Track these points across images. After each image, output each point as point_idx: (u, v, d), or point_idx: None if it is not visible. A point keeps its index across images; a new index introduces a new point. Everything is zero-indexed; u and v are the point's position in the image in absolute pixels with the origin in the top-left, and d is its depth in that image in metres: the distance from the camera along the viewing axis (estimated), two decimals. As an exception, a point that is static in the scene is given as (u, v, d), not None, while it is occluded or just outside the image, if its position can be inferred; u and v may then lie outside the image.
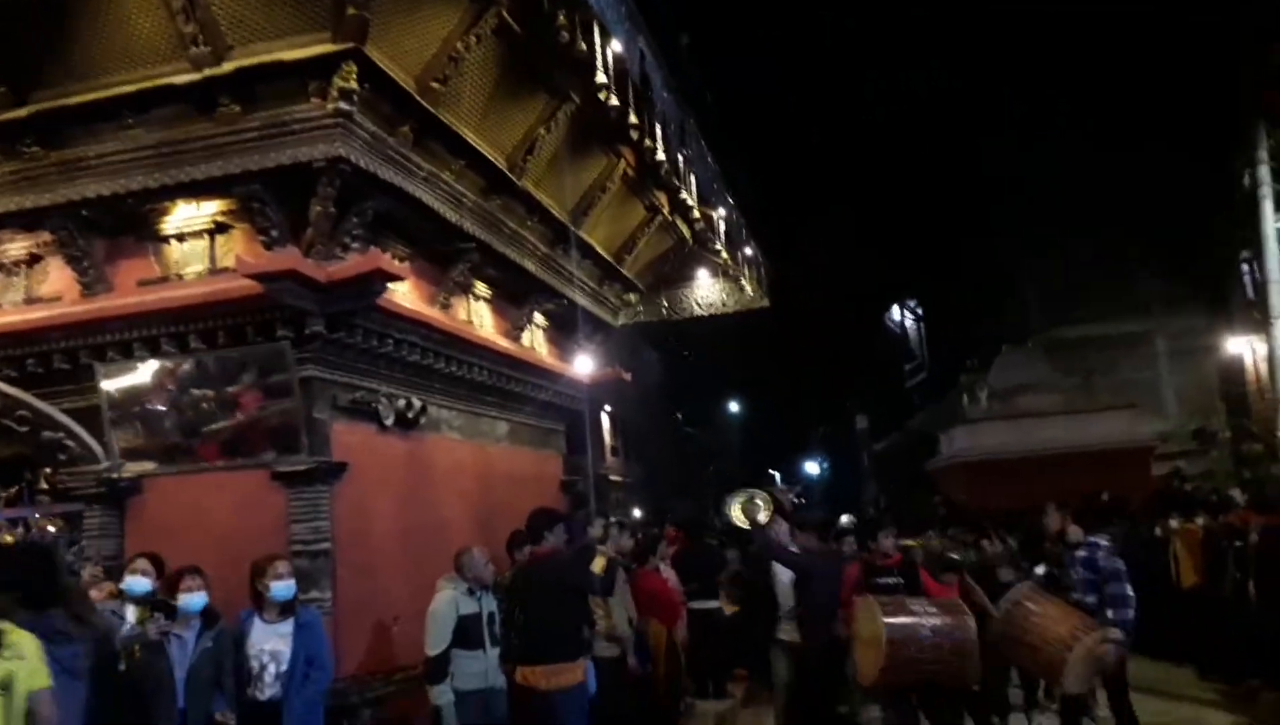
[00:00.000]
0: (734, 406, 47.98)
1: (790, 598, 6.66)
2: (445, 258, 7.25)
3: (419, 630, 5.65)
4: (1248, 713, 7.53)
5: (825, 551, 6.77)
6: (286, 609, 5.03)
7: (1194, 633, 9.22)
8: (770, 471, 48.15)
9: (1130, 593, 5.68)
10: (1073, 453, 14.11)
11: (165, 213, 6.17)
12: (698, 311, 12.01)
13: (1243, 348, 20.98)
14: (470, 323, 7.76)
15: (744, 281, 12.08)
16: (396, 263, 6.23)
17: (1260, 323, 13.97)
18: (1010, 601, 5.88)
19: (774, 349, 38.43)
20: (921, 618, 5.43)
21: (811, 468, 53.54)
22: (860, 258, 29.46)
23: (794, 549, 6.65)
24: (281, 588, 5.00)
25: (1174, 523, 9.82)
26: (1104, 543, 5.97)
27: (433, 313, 7.06)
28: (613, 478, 25.08)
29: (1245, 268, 19.42)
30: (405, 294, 6.80)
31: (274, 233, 5.83)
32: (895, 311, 35.61)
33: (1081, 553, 5.97)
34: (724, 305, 12.17)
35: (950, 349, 25.19)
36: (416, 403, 6.70)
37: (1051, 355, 18.66)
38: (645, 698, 8.37)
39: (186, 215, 6.17)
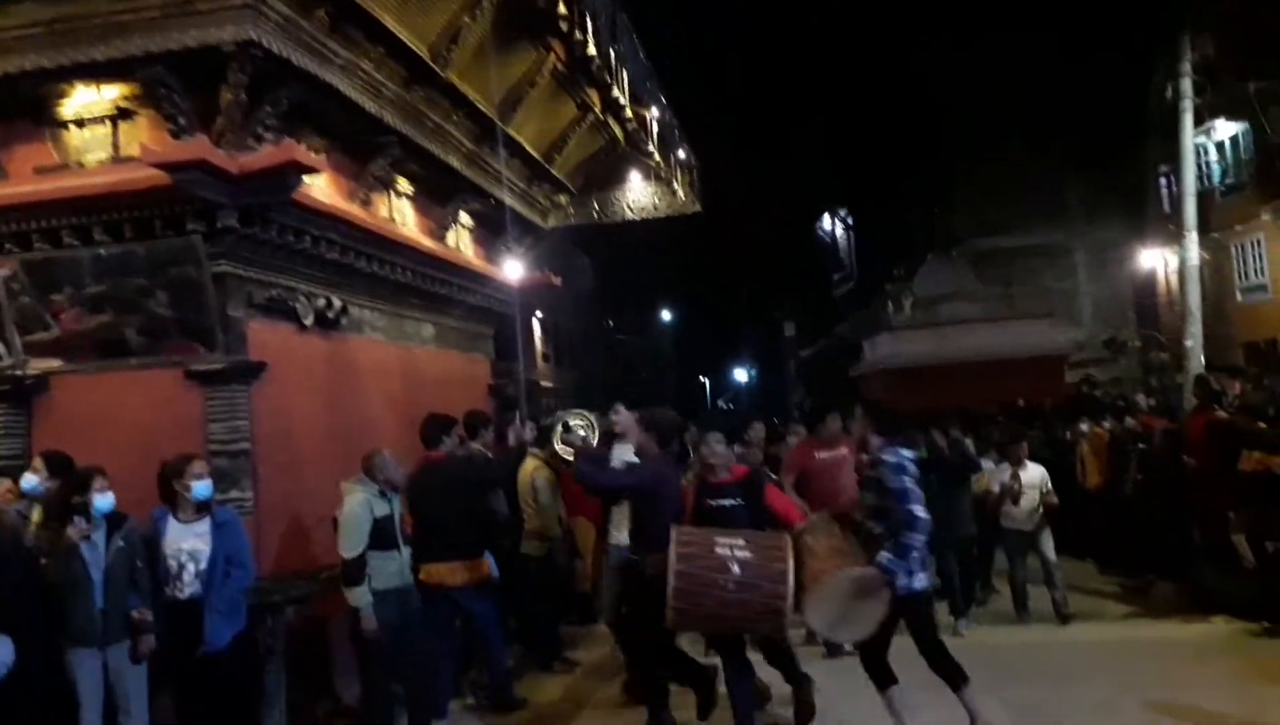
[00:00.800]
0: (666, 314, 48.22)
1: None
2: (365, 151, 6.98)
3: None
4: (1143, 604, 7.99)
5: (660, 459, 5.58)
6: (203, 508, 4.99)
7: (1096, 530, 9.72)
8: (700, 378, 48.78)
9: (918, 515, 4.68)
10: (991, 360, 14.49)
11: (63, 96, 5.78)
12: (629, 215, 11.88)
13: (1156, 260, 21.71)
14: (392, 220, 7.55)
15: (676, 185, 11.97)
16: (313, 155, 5.97)
17: (1174, 235, 14.38)
18: (797, 534, 5.07)
19: (706, 256, 38.51)
20: (727, 561, 4.66)
21: (741, 375, 54.32)
22: (792, 165, 29.43)
23: (629, 467, 5.82)
24: (200, 487, 4.95)
25: (1083, 427, 10.24)
26: (895, 457, 4.86)
27: (352, 209, 6.83)
28: (545, 384, 25.20)
29: (1163, 182, 19.92)
30: (323, 189, 6.56)
31: (181, 121, 5.52)
32: (826, 220, 35.79)
33: (870, 472, 5.09)
34: (656, 209, 12.07)
35: (878, 258, 25.52)
36: (337, 302, 6.54)
37: (975, 264, 19.05)
38: (574, 593, 8.58)
39: (86, 99, 5.79)
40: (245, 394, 5.72)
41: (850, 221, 33.97)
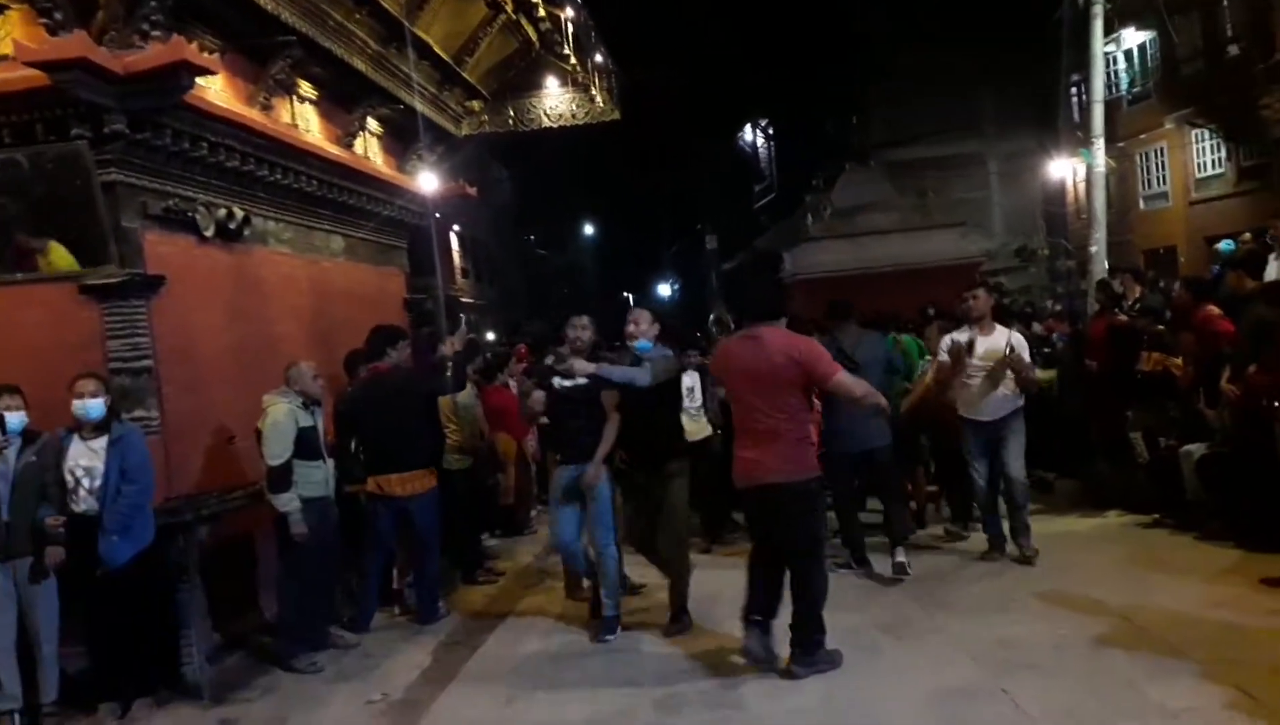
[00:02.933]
0: (589, 229, 47.78)
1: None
2: (263, 53, 6.62)
3: (255, 447, 5.58)
4: (1044, 501, 8.35)
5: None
6: (101, 426, 4.90)
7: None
8: (623, 293, 48.71)
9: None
10: (906, 269, 14.70)
11: (-79, -13, 5.33)
12: (546, 122, 11.61)
13: (1065, 170, 22.20)
14: (295, 127, 7.21)
15: (594, 92, 11.72)
16: (206, 56, 5.63)
17: (1083, 144, 14.66)
18: None
19: (627, 170, 38.06)
20: None
21: (665, 289, 54.38)
22: (712, 74, 29.06)
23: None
24: (82, 407, 4.86)
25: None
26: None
27: (252, 114, 6.50)
28: (464, 299, 24.84)
29: (1073, 91, 20.24)
30: (220, 92, 6.21)
31: (58, 15, 5.13)
32: (747, 131, 35.60)
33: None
34: (574, 117, 11.81)
35: (798, 169, 25.51)
36: (239, 213, 6.26)
37: (891, 175, 19.15)
38: (496, 506, 8.64)
39: (-50, -8, 5.35)
40: (144, 309, 5.47)
41: (770, 132, 33.86)
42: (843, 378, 4.63)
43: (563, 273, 40.95)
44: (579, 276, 43.95)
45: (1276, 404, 5.65)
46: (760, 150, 35.25)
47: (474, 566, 7.38)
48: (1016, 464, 6.37)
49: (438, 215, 9.90)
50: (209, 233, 6.04)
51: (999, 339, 6.35)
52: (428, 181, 9.03)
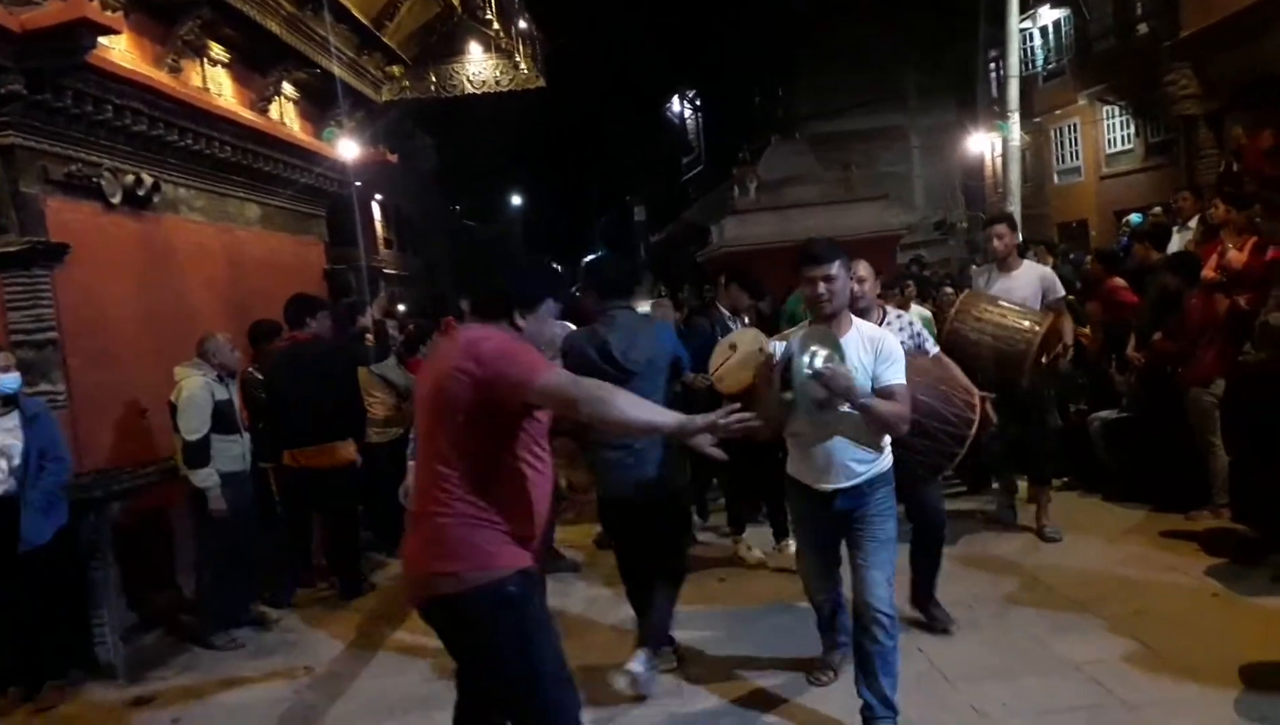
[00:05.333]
0: (516, 199, 47.24)
1: None
2: (170, 12, 6.38)
3: (168, 420, 5.42)
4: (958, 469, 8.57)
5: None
6: (9, 402, 4.68)
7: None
8: (552, 264, 48.35)
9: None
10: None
11: None
12: (470, 89, 11.41)
13: (984, 144, 22.70)
14: (206, 90, 6.97)
15: (518, 59, 11.55)
16: (108, 14, 5.40)
17: (1001, 118, 15.00)
18: None
19: (555, 140, 37.71)
20: None
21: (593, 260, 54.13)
22: (639, 43, 28.88)
23: None
24: (3, 380, 4.63)
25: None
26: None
27: (160, 77, 6.27)
28: (387, 270, 24.37)
29: (992, 66, 20.67)
30: (125, 53, 5.98)
31: (-54, -32, 4.87)
32: (675, 102, 35.51)
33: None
34: (498, 84, 11.63)
35: (725, 141, 25.57)
36: (148, 179, 6.05)
37: (816, 147, 19.32)
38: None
39: None
40: (47, 279, 5.28)
41: (698, 104, 33.82)
42: (557, 380, 2.59)
43: (490, 243, 40.43)
44: (506, 246, 43.32)
45: (1180, 370, 5.89)
46: (688, 121, 35.19)
47: (396, 540, 7.30)
48: None
49: (358, 183, 9.69)
50: (116, 200, 5.83)
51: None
52: (346, 147, 8.82)
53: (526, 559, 2.69)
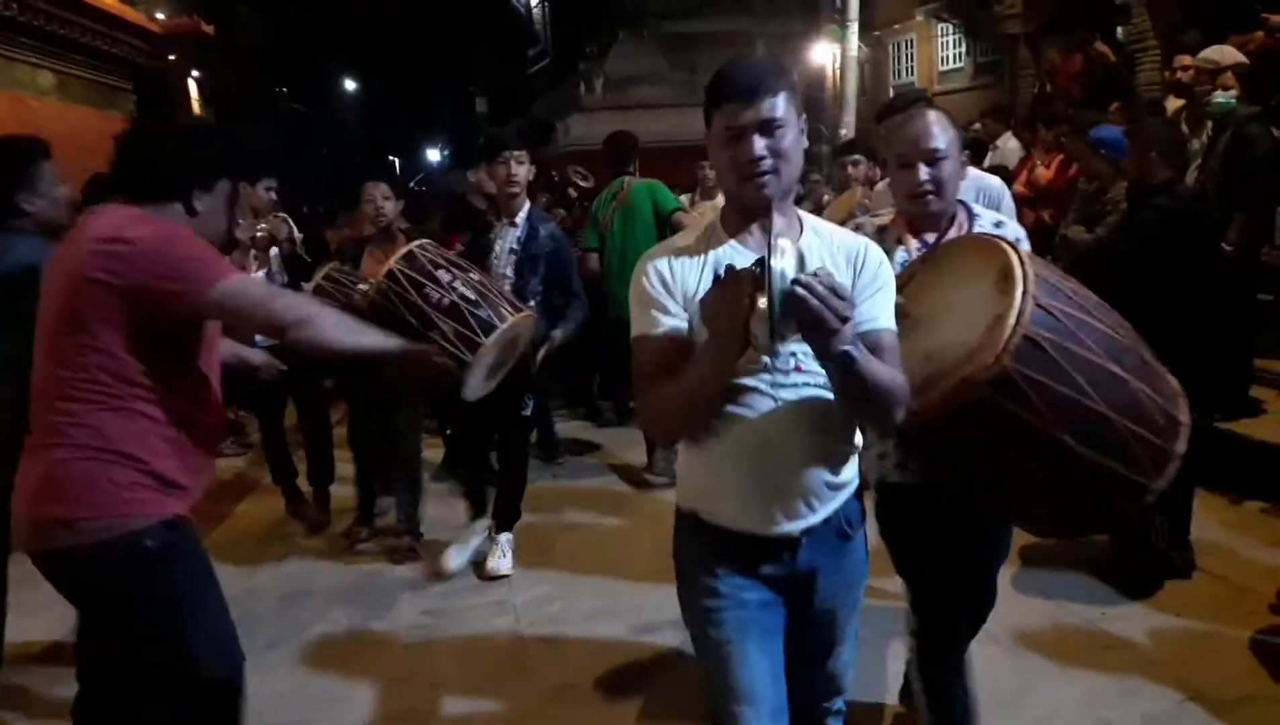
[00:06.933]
0: (351, 84, 44.73)
1: None
2: None
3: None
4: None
5: None
6: None
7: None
8: (390, 156, 46.49)
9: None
10: (674, 145, 14.91)
11: None
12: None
13: (826, 56, 23.06)
14: (-15, -63, 6.18)
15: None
16: None
17: (842, 27, 15.24)
18: None
19: (394, 24, 35.73)
20: None
21: (434, 155, 52.41)
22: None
23: None
24: None
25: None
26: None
27: (-76, -85, 5.50)
28: (207, 154, 22.69)
29: (838, -26, 20.86)
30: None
31: None
32: (520, -9, 34.19)
33: None
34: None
35: (572, 35, 24.92)
36: (-86, 34, 5.36)
37: (664, 48, 19.15)
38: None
39: None
40: None
41: (545, -7, 32.69)
42: (243, 288, 2.17)
43: (322, 131, 38.33)
44: (341, 135, 41.32)
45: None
46: (534, 11, 34.02)
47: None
48: None
49: (171, 56, 8.92)
50: (-128, 55, 5.13)
51: None
52: (156, 15, 8.06)
53: (174, 506, 2.14)
